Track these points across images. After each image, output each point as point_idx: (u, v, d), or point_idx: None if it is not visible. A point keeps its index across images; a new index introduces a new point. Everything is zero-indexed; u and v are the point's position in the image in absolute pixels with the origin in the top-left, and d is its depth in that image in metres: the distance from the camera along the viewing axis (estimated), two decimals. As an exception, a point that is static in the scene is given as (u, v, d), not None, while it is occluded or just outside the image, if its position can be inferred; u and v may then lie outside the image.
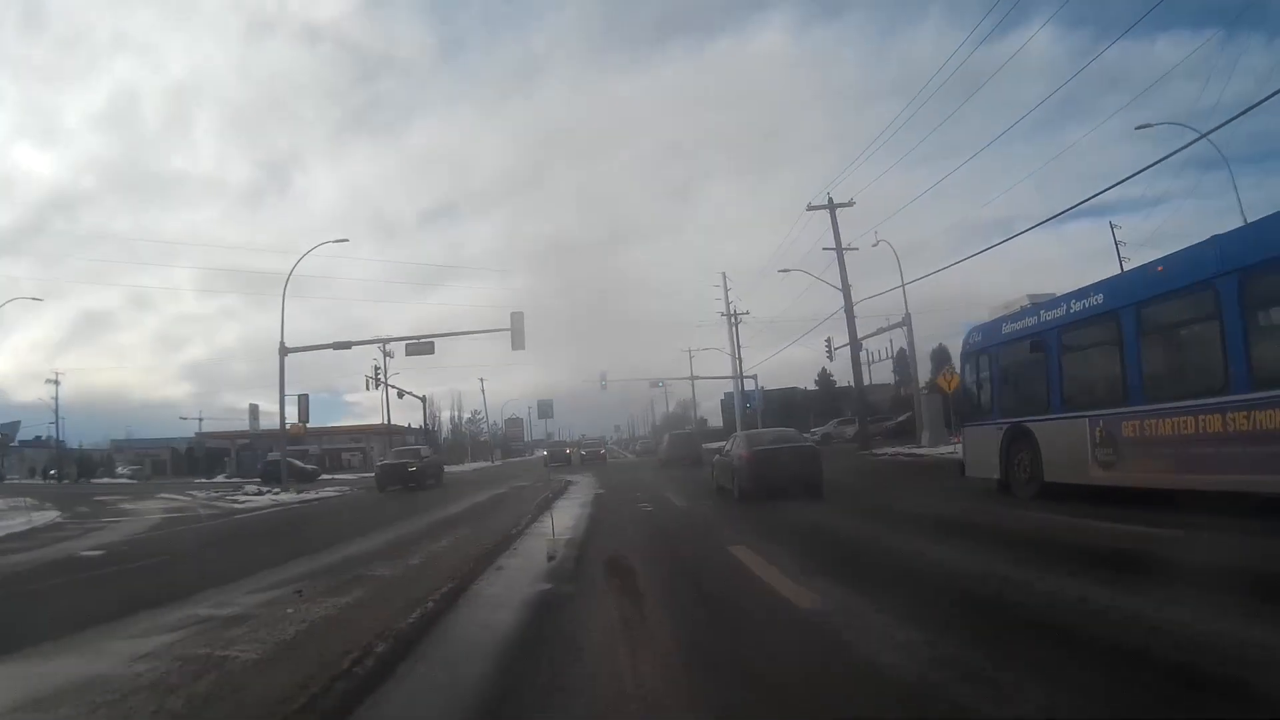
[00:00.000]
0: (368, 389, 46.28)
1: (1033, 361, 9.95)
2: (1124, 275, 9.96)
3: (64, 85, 75.17)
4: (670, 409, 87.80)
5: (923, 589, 5.03)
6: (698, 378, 53.91)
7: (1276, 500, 6.18)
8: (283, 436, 27.95)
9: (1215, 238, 7.33)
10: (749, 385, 45.78)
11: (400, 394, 47.29)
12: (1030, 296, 12.28)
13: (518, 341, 26.17)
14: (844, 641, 3.89)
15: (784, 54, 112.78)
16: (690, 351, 55.86)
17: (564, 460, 42.90)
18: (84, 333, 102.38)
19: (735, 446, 13.64)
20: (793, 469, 12.32)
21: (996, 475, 10.49)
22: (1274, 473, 6.19)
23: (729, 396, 62.08)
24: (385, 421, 51.52)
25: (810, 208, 29.40)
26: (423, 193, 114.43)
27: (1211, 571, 4.79)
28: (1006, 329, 10.97)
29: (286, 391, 26.63)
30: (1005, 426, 10.27)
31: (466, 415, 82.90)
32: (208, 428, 61.71)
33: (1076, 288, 9.43)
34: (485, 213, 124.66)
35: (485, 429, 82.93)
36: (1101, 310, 8.63)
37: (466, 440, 77.76)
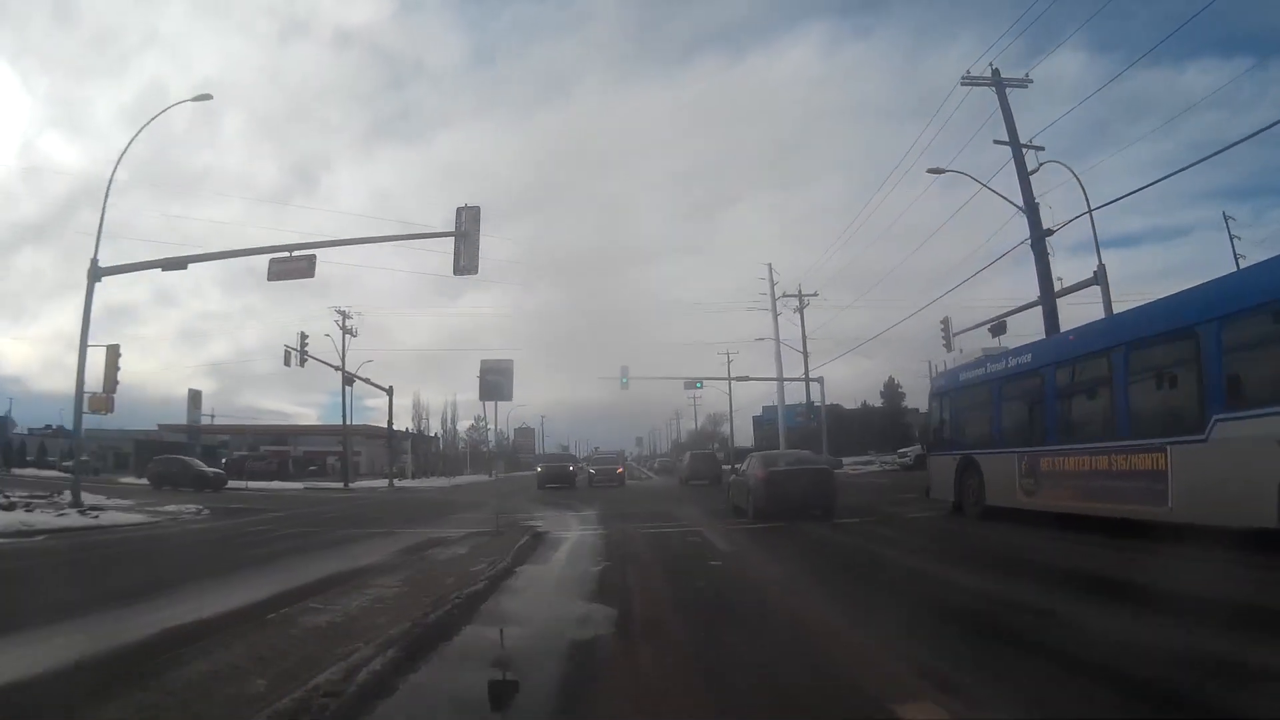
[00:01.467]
0: (287, 364, 34.02)
1: (980, 404, 11.97)
2: (1047, 340, 12.02)
3: (95, 80, 75.94)
4: (699, 424, 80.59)
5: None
6: (738, 379, 44.46)
7: (1156, 525, 7.83)
8: (77, 406, 18.44)
9: (1114, 315, 9.28)
10: (813, 390, 39.68)
11: (350, 379, 37.92)
12: (984, 349, 14.16)
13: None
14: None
15: (813, 72, 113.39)
16: (728, 355, 47.10)
17: (563, 480, 29.84)
18: (106, 325, 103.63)
19: (751, 467, 13.70)
20: (807, 491, 12.52)
21: (952, 498, 12.38)
22: (1143, 503, 8.04)
23: (767, 412, 56.88)
24: (344, 418, 40.61)
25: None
26: (447, 199, 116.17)
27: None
28: (962, 376, 12.98)
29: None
30: (959, 457, 12.19)
31: (468, 422, 74.82)
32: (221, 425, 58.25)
33: (1016, 346, 11.46)
34: (509, 222, 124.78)
35: (490, 438, 75.28)
36: (1029, 367, 10.67)
37: (462, 449, 72.12)
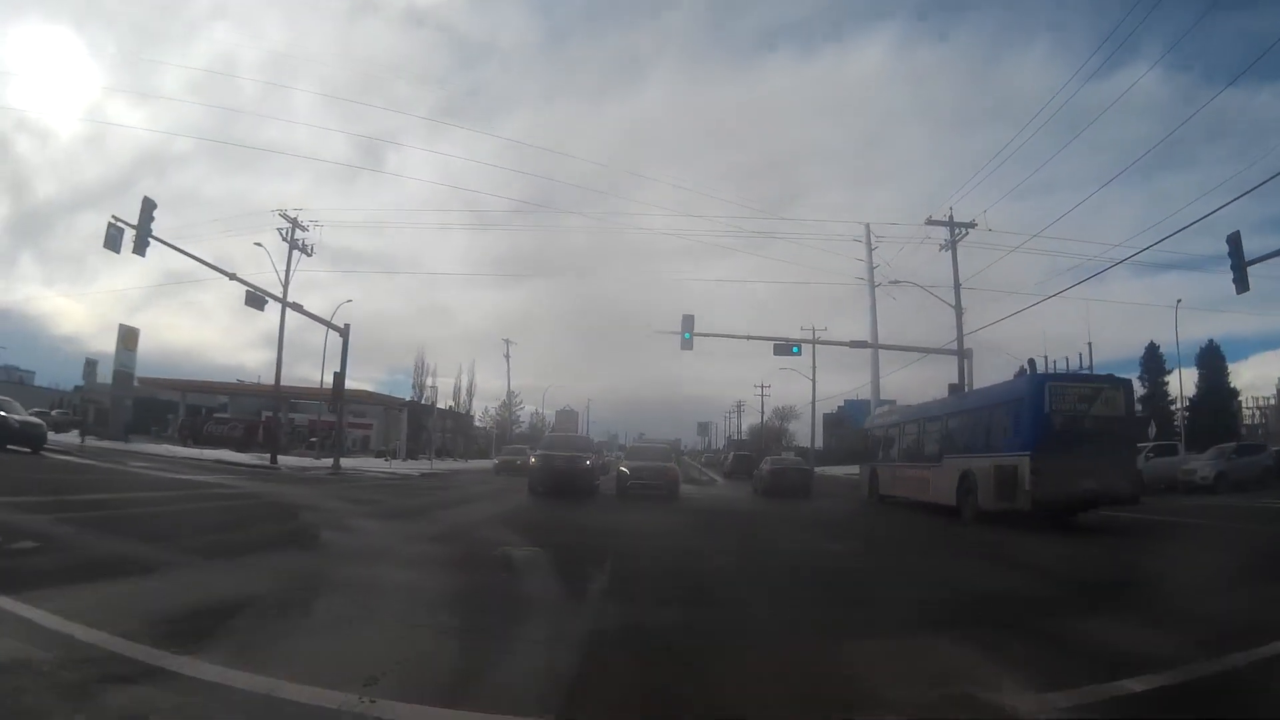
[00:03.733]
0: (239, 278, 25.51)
1: (878, 438, 21.83)
2: (907, 406, 21.97)
3: (163, 46, 78.68)
4: (765, 419, 75.38)
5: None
6: (822, 342, 36.90)
7: (939, 506, 16.65)
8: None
9: (937, 400, 18.54)
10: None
11: (295, 307, 27.97)
12: (897, 401, 23.77)
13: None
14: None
15: (887, 71, 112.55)
16: (812, 330, 38.48)
17: (567, 483, 17.45)
18: (167, 290, 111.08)
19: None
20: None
21: (866, 492, 21.77)
22: (923, 494, 17.23)
23: (850, 408, 55.17)
24: (277, 370, 29.44)
25: (930, 221, 28.92)
26: (515, 183, 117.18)
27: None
28: (879, 418, 23.21)
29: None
30: (869, 467, 21.74)
31: (497, 400, 65.24)
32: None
33: (905, 405, 20.78)
34: (576, 207, 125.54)
35: (524, 417, 67.16)
36: (897, 420, 20.64)
37: (488, 429, 64.27)
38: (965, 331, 27.95)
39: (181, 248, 25.17)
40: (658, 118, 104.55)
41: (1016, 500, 12.90)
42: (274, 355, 29.66)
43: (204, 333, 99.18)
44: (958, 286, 28.63)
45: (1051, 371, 30.41)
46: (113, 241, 21.76)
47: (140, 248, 22.20)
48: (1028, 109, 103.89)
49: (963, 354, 28.29)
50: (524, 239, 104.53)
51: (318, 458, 32.15)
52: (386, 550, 8.16)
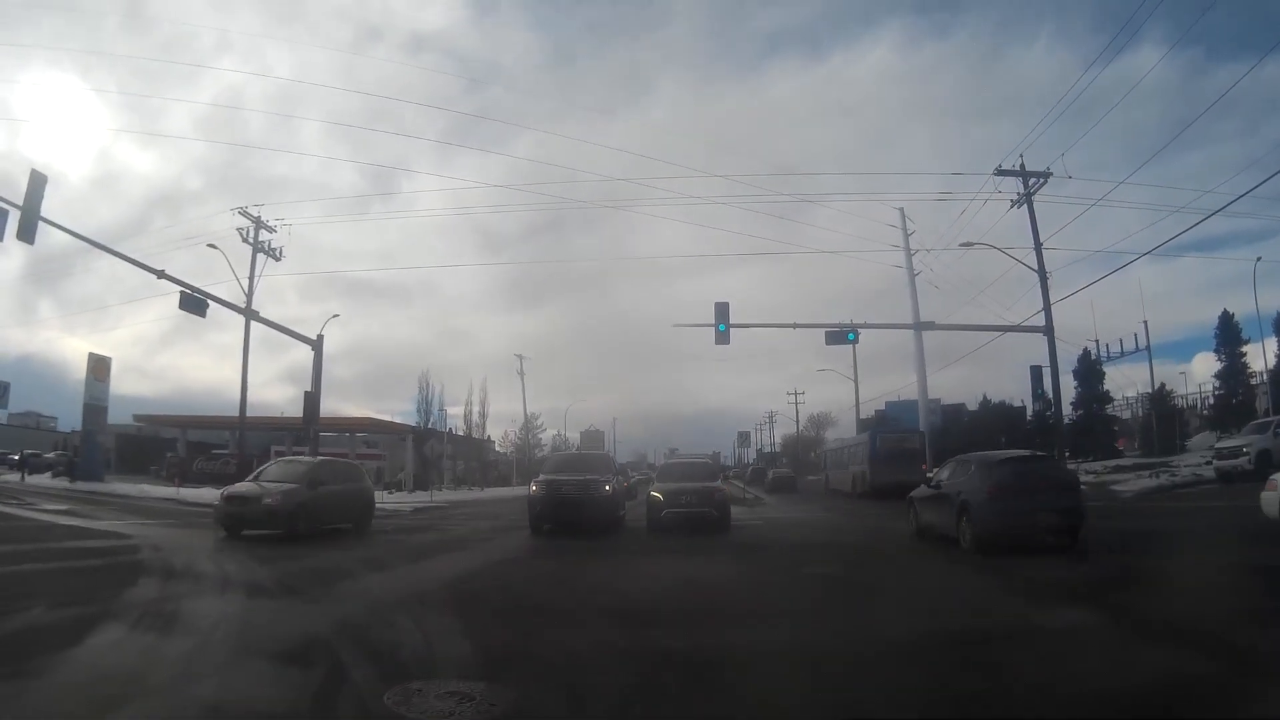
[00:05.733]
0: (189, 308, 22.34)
1: (828, 455, 37.23)
2: (839, 439, 36.10)
3: (170, 86, 75.19)
4: (800, 428, 70.80)
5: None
6: (879, 325, 30.37)
7: (845, 493, 28.92)
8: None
9: (844, 438, 29.26)
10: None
11: (253, 315, 25.20)
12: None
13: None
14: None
15: (892, 70, 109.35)
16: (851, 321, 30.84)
17: (579, 514, 13.22)
18: (185, 330, 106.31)
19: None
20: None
21: (824, 487, 34.29)
22: (841, 485, 30.72)
23: (891, 409, 44.54)
24: (243, 385, 26.87)
25: (999, 171, 23.24)
26: (526, 204, 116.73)
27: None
28: (830, 443, 43.57)
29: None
30: (824, 474, 34.00)
31: (516, 423, 60.06)
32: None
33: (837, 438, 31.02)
34: (588, 225, 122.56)
35: (546, 440, 61.79)
36: (833, 447, 37.11)
37: (508, 455, 60.27)
38: (1018, 319, 24.47)
39: (80, 233, 21.76)
40: (667, 128, 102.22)
41: (870, 486, 26.50)
42: (299, 391, 26.62)
43: (223, 370, 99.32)
44: (1039, 247, 22.73)
45: (884, 425, 35.11)
46: None
47: (27, 233, 18.57)
48: (1032, 99, 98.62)
49: (1052, 329, 22.70)
50: (539, 260, 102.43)
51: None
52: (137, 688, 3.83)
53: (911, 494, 12.40)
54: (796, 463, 58.07)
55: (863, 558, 10.33)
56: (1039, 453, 12.98)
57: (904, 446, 27.22)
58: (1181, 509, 15.10)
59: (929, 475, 12.65)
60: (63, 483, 30.09)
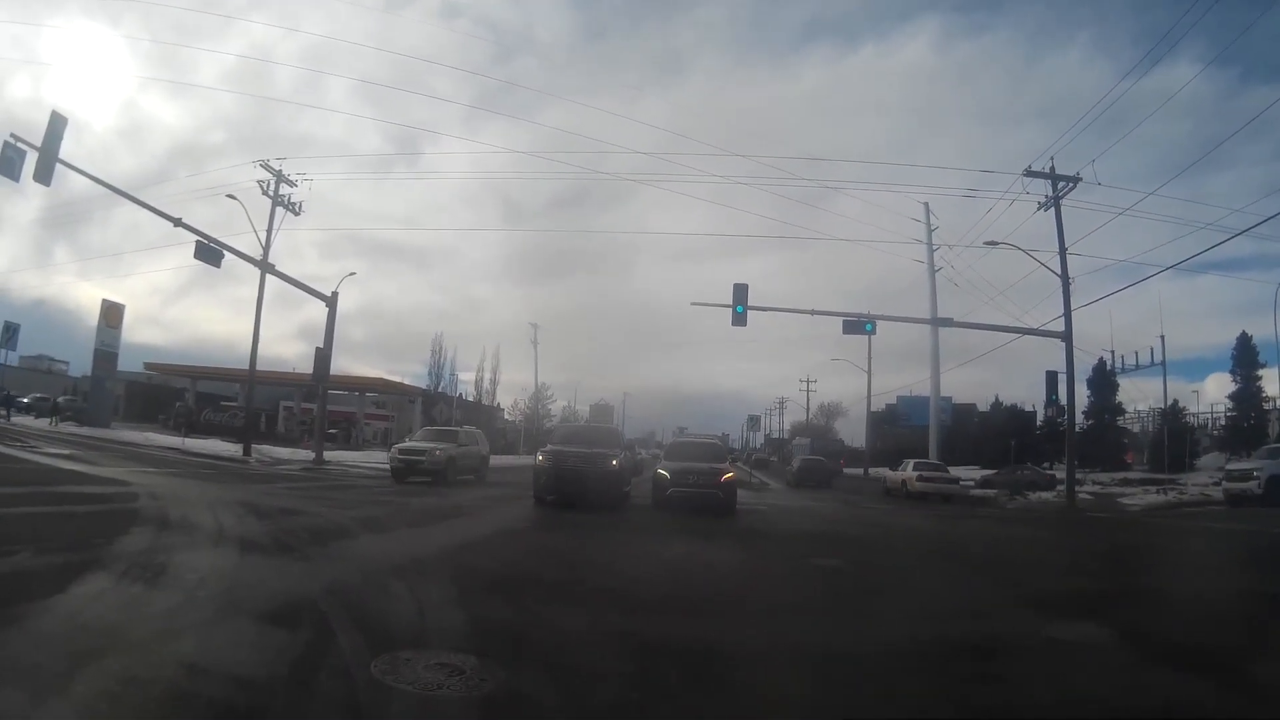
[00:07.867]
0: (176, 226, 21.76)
1: (785, 451, 33.15)
2: (791, 439, 36.42)
3: (200, 38, 75.35)
4: (810, 416, 72.55)
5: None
6: (896, 318, 30.63)
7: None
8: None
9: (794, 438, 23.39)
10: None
11: (268, 269, 24.66)
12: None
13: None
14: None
15: (928, 67, 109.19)
16: (868, 312, 30.56)
17: (584, 489, 13.05)
18: (202, 281, 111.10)
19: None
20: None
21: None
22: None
23: (901, 405, 47.42)
24: (252, 350, 26.47)
25: (1028, 173, 23.56)
26: (551, 173, 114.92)
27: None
28: (793, 443, 46.50)
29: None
30: (787, 465, 34.39)
31: (528, 390, 59.67)
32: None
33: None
34: (613, 203, 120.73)
35: (555, 411, 61.26)
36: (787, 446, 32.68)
37: (516, 423, 59.09)
38: (1035, 323, 24.21)
39: (97, 176, 21.50)
40: (696, 109, 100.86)
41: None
42: (311, 347, 27.88)
43: (237, 324, 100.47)
44: (1063, 251, 22.66)
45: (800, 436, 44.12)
46: (9, 167, 17.80)
47: (44, 175, 18.45)
48: (1069, 103, 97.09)
49: (1070, 336, 22.79)
50: (560, 232, 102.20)
51: (314, 451, 26.28)
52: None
53: None
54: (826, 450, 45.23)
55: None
56: None
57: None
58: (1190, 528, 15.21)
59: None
60: (70, 426, 30.49)
